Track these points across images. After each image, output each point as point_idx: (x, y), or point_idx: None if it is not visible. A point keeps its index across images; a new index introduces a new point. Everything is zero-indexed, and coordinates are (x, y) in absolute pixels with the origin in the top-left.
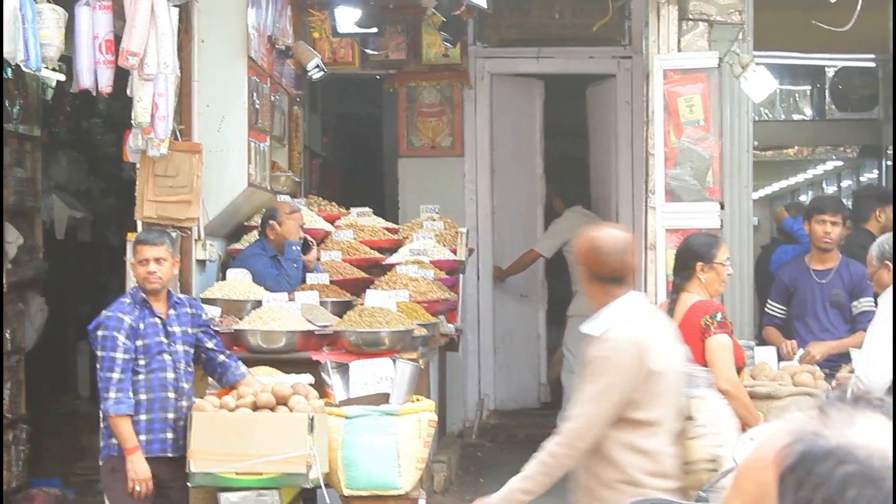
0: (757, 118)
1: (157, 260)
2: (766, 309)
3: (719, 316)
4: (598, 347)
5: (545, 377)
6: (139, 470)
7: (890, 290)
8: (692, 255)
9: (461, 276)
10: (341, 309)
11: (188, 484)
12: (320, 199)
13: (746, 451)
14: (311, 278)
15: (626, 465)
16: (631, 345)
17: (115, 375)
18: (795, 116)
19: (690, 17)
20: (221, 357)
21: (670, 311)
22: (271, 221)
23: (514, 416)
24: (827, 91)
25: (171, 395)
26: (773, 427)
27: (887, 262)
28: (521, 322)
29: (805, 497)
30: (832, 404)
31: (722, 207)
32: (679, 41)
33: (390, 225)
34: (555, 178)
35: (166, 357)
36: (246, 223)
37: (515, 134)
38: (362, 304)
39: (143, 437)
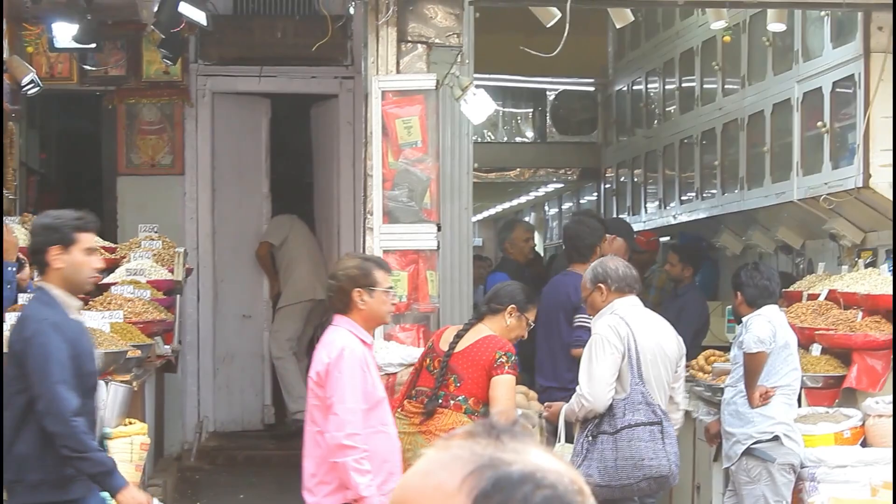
0: (479, 140)
1: None
2: None
3: (514, 359)
4: None
5: (270, 398)
6: None
7: (603, 311)
8: (509, 297)
9: (179, 296)
10: None
11: None
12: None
13: (409, 482)
14: (23, 298)
15: None
16: None
17: None
18: (517, 139)
19: (409, 39)
20: None
21: (461, 334)
22: None
23: (234, 437)
24: (548, 114)
25: None
26: (433, 456)
27: (600, 284)
28: (244, 343)
29: None
30: (500, 430)
31: (439, 229)
32: (398, 63)
33: (108, 244)
34: (282, 197)
35: None
36: None
37: (241, 153)
38: None
39: None
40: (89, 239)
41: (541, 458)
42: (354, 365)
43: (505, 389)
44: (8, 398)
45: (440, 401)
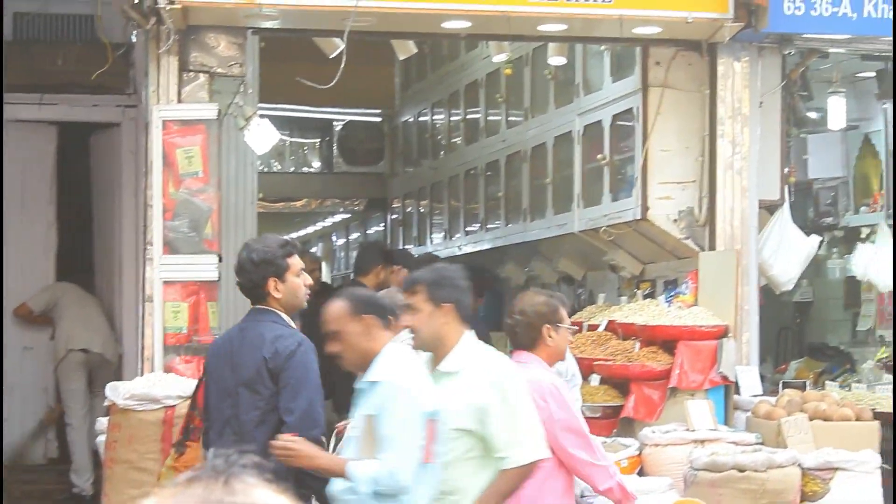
0: (266, 170)
1: None
2: None
3: None
4: None
5: (53, 432)
6: None
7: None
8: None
9: None
10: None
11: None
12: None
13: None
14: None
15: None
16: None
17: None
18: (304, 169)
19: (191, 68)
20: None
21: None
22: None
23: (11, 472)
24: (335, 144)
25: None
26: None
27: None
28: (26, 375)
29: None
30: (227, 471)
31: (220, 259)
32: (180, 92)
33: None
34: (72, 227)
35: None
36: None
37: (24, 181)
38: None
39: None
40: (297, 262)
41: (268, 498)
42: (568, 395)
43: None
44: (263, 415)
45: (190, 435)
